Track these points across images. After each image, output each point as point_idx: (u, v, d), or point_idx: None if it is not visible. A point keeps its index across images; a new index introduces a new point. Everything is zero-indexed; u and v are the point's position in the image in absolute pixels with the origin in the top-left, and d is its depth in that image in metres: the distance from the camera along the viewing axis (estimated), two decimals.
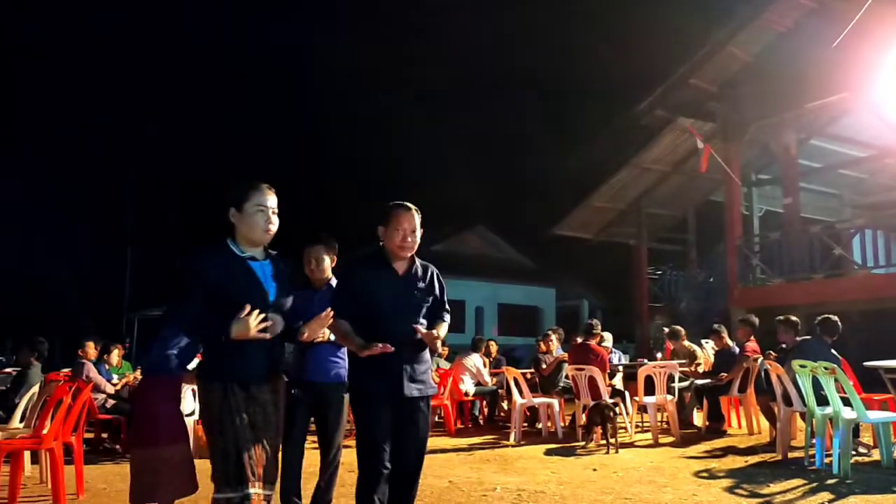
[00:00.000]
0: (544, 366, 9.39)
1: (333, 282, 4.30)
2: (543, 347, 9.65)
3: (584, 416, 7.92)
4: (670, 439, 7.95)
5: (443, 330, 3.58)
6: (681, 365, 8.95)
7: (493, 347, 11.84)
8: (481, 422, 10.28)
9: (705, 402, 8.74)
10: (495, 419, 10.34)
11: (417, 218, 3.49)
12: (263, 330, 2.92)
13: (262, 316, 2.91)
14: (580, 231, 18.66)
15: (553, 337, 9.85)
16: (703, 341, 10.27)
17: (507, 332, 25.80)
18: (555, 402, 8.68)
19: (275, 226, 3.07)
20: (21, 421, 6.13)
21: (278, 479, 3.13)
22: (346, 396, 4.40)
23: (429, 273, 3.60)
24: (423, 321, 3.51)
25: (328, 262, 4.33)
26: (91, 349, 8.47)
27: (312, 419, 4.34)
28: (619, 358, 10.60)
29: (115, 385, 8.33)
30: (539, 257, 29.36)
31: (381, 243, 3.53)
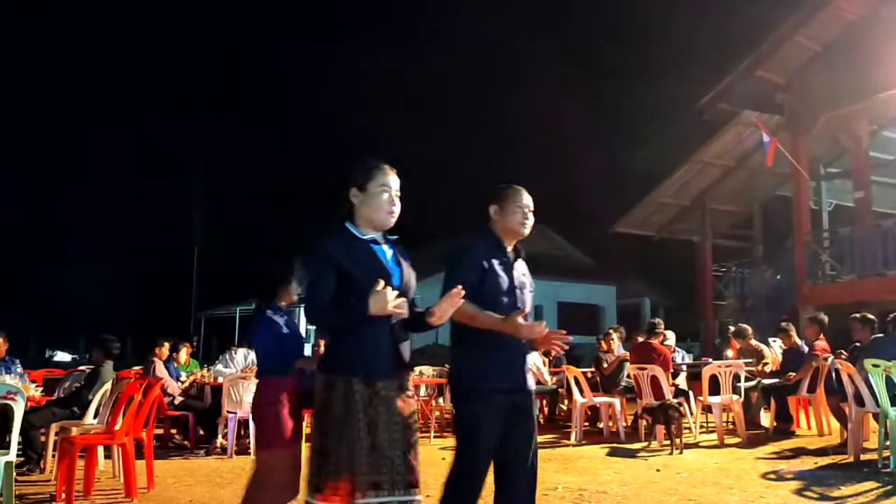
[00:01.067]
0: (605, 365, 9.29)
1: None
2: (604, 346, 9.55)
3: (647, 416, 7.81)
4: (736, 440, 7.79)
5: None
6: (747, 364, 8.75)
7: None
8: (541, 421, 10.22)
9: (773, 402, 8.53)
10: (556, 418, 10.27)
11: (530, 199, 3.40)
12: (396, 311, 2.71)
13: (396, 293, 2.72)
14: (642, 228, 18.40)
15: (614, 335, 9.73)
16: (770, 340, 10.03)
17: (568, 331, 25.56)
18: (616, 401, 8.58)
19: (398, 208, 2.92)
20: (94, 417, 6.33)
21: (419, 485, 2.78)
22: None
23: (526, 259, 3.48)
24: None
25: None
26: (165, 349, 8.77)
27: None
28: (682, 357, 10.40)
29: (182, 383, 8.58)
30: (599, 255, 29.06)
31: (488, 225, 3.38)
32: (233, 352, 8.85)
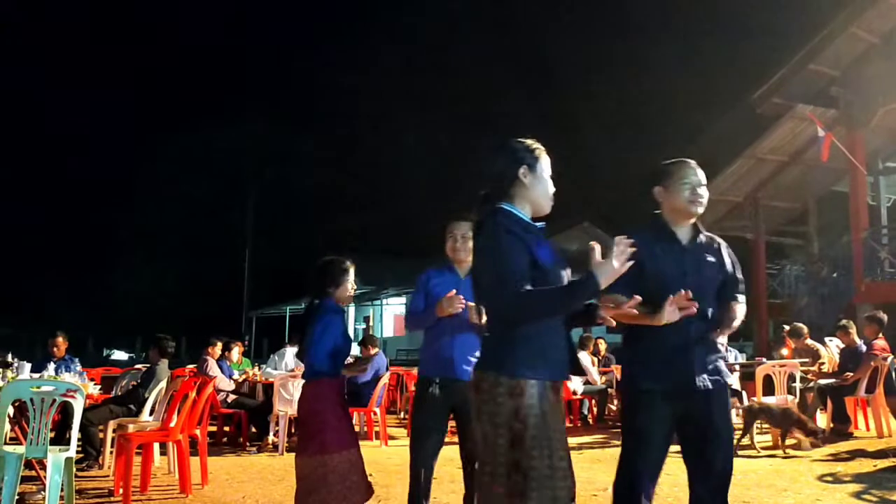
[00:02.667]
0: None
1: None
2: None
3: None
4: (792, 442, 7.62)
5: (739, 311, 3.10)
6: (803, 364, 8.56)
7: (602, 345, 11.67)
8: (591, 421, 10.15)
9: (829, 402, 8.33)
10: (605, 418, 10.18)
11: (702, 174, 3.04)
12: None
13: None
14: None
15: None
16: (826, 339, 9.79)
17: (616, 330, 25.34)
18: None
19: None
20: (150, 414, 6.49)
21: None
22: None
23: (715, 244, 3.10)
24: (714, 302, 3.03)
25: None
26: (217, 348, 8.95)
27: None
28: (734, 357, 10.23)
29: (234, 381, 8.73)
30: None
31: (656, 211, 3.08)
32: (283, 351, 8.97)
